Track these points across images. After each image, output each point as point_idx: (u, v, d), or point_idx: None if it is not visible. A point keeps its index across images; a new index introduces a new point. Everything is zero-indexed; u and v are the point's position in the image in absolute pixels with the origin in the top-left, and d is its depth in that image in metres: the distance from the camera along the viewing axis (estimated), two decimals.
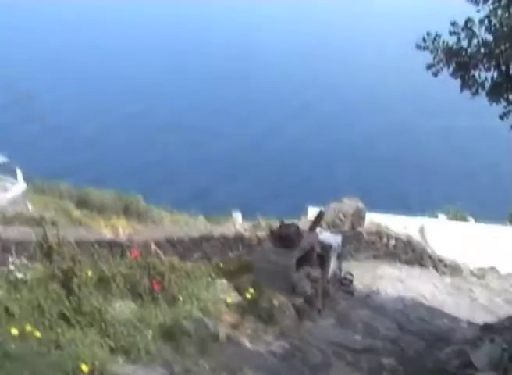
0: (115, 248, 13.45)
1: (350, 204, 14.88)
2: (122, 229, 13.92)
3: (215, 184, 58.23)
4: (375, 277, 14.47)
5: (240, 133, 71.01)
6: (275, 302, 9.58)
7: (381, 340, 10.44)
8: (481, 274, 17.22)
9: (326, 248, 11.19)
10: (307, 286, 10.42)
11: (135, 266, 9.66)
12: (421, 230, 34.54)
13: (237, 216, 36.58)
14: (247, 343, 8.60)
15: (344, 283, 12.63)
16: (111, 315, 7.69)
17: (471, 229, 33.95)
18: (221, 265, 11.29)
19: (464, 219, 41.59)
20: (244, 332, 8.97)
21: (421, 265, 15.86)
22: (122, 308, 8.47)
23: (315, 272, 10.74)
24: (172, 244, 13.60)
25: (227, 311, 9.29)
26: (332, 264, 11.51)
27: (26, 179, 44.52)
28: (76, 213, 39.66)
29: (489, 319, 13.86)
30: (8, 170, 43.81)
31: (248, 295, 9.56)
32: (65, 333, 7.04)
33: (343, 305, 11.64)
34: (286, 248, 10.13)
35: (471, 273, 16.99)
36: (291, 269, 10.16)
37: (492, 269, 18.62)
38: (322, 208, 13.98)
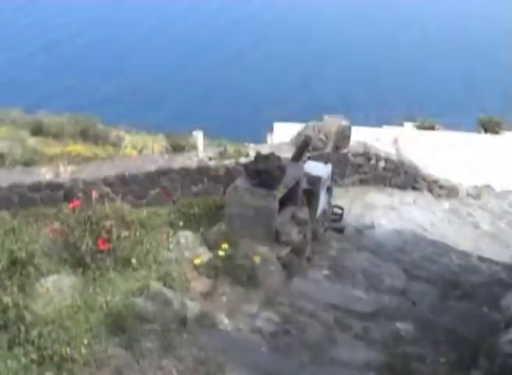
0: (55, 191, 11.15)
1: (331, 122, 12.61)
2: (63, 167, 11.53)
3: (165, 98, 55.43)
4: (365, 206, 12.43)
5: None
6: (256, 258, 7.42)
7: (388, 293, 8.44)
8: (476, 193, 15.27)
9: (314, 181, 9.02)
10: (293, 232, 8.27)
11: (74, 219, 7.43)
12: (395, 142, 32.79)
13: (198, 135, 34.23)
14: (224, 320, 6.46)
15: (334, 220, 10.55)
16: (32, 310, 5.43)
17: (441, 137, 32.32)
18: (182, 208, 9.13)
19: (433, 128, 39.92)
20: (219, 303, 6.83)
21: (415, 188, 13.81)
22: (57, 285, 6.30)
23: (302, 213, 8.58)
24: (123, 182, 11.33)
25: (195, 276, 7.12)
26: (322, 200, 9.36)
27: None
28: (31, 141, 37.14)
29: (497, 249, 12.04)
30: None
31: (221, 252, 7.36)
32: None
33: (335, 248, 9.57)
34: (266, 186, 7.89)
35: (468, 193, 15.02)
36: (273, 212, 7.96)
37: (487, 187, 16.73)
38: (307, 127, 11.72)
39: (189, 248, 7.68)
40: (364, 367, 6.34)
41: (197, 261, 7.22)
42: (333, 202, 10.50)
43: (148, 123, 39.61)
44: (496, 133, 38.05)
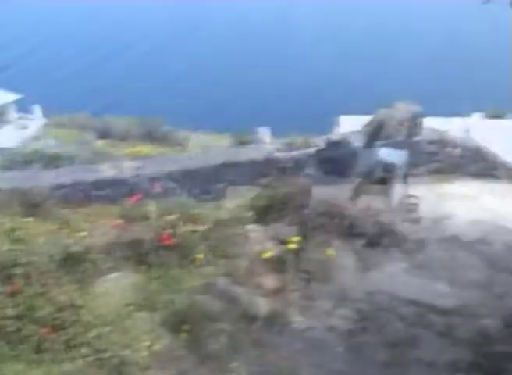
0: (119, 187, 10.83)
1: (403, 109, 11.97)
2: (127, 162, 11.24)
3: (229, 101, 55.10)
4: (441, 196, 11.73)
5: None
6: (329, 251, 6.93)
7: (472, 288, 7.83)
8: None
9: (389, 168, 8.50)
10: (368, 223, 7.76)
11: (134, 215, 7.10)
12: (467, 132, 31.81)
13: (264, 132, 33.85)
14: (296, 318, 6.01)
15: (409, 209, 9.96)
16: (90, 309, 5.05)
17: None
18: (250, 201, 8.68)
19: (502, 117, 38.68)
20: (291, 300, 6.38)
21: (493, 176, 13.04)
22: (119, 283, 5.96)
23: (377, 202, 8.07)
24: (189, 177, 10.94)
25: (265, 271, 6.67)
26: (397, 188, 8.81)
27: (45, 114, 42.15)
28: (98, 144, 37.49)
29: None
30: (24, 107, 41.51)
31: (292, 245, 6.88)
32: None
33: (412, 239, 8.99)
34: (338, 174, 7.42)
35: None
36: (346, 203, 7.47)
37: None
38: (378, 114, 11.13)
39: (258, 241, 7.25)
40: (451, 368, 5.80)
41: (266, 255, 6.78)
42: (408, 191, 9.91)
43: (215, 124, 39.65)
44: None
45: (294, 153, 11.26)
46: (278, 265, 6.76)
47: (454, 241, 9.50)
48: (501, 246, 9.62)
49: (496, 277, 8.32)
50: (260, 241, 7.26)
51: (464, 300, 7.30)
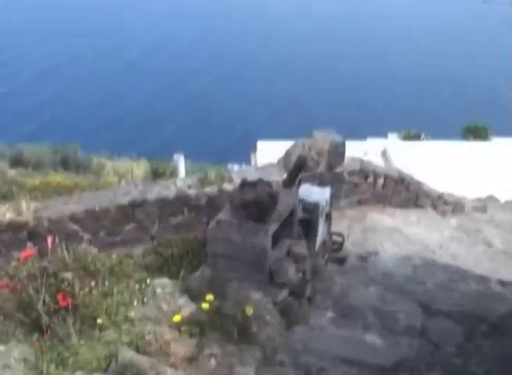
0: (18, 233, 9.78)
1: (323, 138, 11.32)
2: (26, 204, 10.18)
3: (155, 125, 54.24)
4: (366, 230, 11.14)
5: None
6: (248, 308, 6.11)
7: (406, 336, 7.16)
8: (482, 207, 14.06)
9: (311, 209, 7.77)
10: (290, 270, 7.00)
11: (27, 272, 6.15)
12: (384, 154, 31.69)
13: (179, 159, 33.28)
14: None
15: (333, 249, 9.29)
16: None
17: (429, 147, 31.30)
18: (160, 248, 7.83)
19: (418, 137, 38.99)
20: (207, 368, 5.53)
21: (418, 206, 12.56)
22: (3, 359, 5.01)
23: (299, 247, 7.32)
24: (94, 218, 9.99)
25: (176, 336, 5.81)
26: (320, 230, 8.10)
27: None
28: (11, 173, 36.03)
29: None
30: None
31: (205, 304, 6.04)
32: None
33: (338, 283, 8.29)
34: (255, 219, 6.64)
35: (473, 207, 13.80)
36: (266, 250, 6.69)
37: (491, 198, 15.57)
38: (296, 146, 10.46)
39: (167, 299, 6.38)
40: None
41: (177, 317, 5.91)
42: (332, 229, 9.23)
43: (132, 150, 38.76)
44: (484, 139, 37.15)
45: (207, 190, 10.47)
46: (191, 327, 5.90)
47: (384, 281, 8.87)
48: (431, 284, 9.05)
49: (430, 322, 7.69)
50: (170, 298, 6.40)
51: (399, 354, 6.60)
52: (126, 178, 30.08)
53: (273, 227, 6.72)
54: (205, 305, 5.99)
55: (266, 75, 64.19)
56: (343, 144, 11.27)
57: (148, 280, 6.59)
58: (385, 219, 11.73)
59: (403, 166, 18.20)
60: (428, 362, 6.48)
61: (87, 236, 9.75)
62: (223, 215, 6.88)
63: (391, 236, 11.02)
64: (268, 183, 6.85)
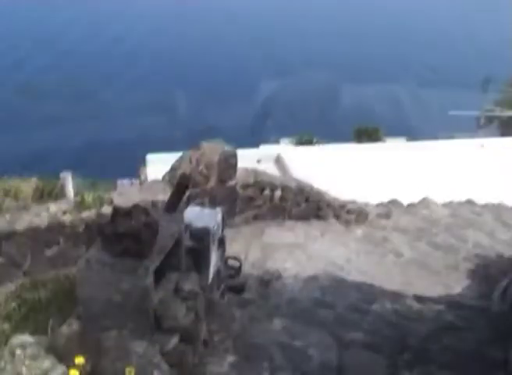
0: None
1: (212, 149, 10.18)
2: None
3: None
4: (265, 248, 10.09)
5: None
6: (130, 370, 4.88)
7: None
8: (386, 212, 13.27)
9: (200, 235, 6.60)
10: (179, 311, 5.80)
11: None
12: (278, 161, 30.89)
13: (66, 177, 31.54)
14: None
15: (230, 275, 8.14)
16: None
17: (323, 152, 30.75)
18: (24, 292, 6.49)
19: (311, 142, 38.50)
20: None
21: (320, 217, 11.58)
22: None
23: (189, 282, 6.13)
24: None
25: None
26: (213, 258, 6.93)
27: None
28: None
29: (428, 279, 10.03)
30: None
31: (74, 372, 4.75)
32: None
33: (238, 318, 7.14)
34: (132, 255, 5.42)
35: (377, 214, 12.98)
36: (147, 291, 5.45)
37: (394, 202, 14.83)
38: (181, 159, 9.28)
39: (28, 363, 5.06)
40: None
41: None
42: (227, 253, 8.07)
43: (44, 169, 36.57)
44: (376, 141, 37.00)
45: (85, 215, 9.18)
46: None
47: (289, 309, 7.79)
48: (344, 309, 8.04)
49: (346, 356, 6.66)
50: (32, 360, 5.09)
51: None
52: (13, 199, 28.16)
53: (155, 262, 5.51)
54: (74, 372, 4.72)
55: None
56: (235, 155, 10.17)
57: (5, 336, 5.28)
58: (284, 234, 10.71)
59: (298, 171, 17.41)
60: None
61: None
62: (93, 251, 5.62)
63: (293, 253, 10.00)
64: (145, 210, 5.62)
